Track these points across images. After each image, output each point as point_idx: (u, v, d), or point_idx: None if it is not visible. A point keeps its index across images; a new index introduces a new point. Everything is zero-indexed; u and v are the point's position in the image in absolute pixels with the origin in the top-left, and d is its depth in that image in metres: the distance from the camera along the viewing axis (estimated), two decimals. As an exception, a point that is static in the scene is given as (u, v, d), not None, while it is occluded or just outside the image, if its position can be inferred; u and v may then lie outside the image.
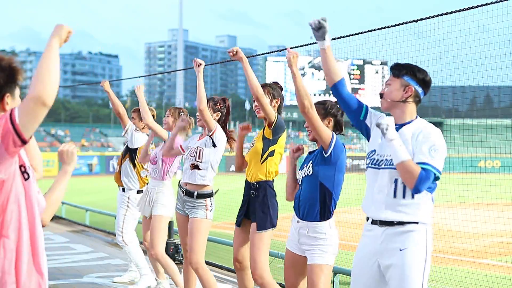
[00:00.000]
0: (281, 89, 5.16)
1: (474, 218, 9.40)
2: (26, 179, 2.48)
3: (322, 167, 4.24)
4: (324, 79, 68.57)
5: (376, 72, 70.04)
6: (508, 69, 6.66)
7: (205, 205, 5.51)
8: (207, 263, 8.27)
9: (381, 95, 3.64)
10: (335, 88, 3.69)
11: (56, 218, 13.63)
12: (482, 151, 12.72)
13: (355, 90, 67.95)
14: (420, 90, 3.57)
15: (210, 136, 5.46)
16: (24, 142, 2.32)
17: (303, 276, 4.42)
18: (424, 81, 3.57)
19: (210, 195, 5.55)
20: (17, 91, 2.58)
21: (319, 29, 3.62)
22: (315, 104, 4.34)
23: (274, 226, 4.98)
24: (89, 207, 13.93)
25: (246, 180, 5.09)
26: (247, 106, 78.27)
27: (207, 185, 5.54)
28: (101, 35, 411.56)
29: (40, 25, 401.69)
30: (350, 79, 68.75)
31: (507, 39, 6.33)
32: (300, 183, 4.37)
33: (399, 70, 3.60)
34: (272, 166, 4.99)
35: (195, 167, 5.51)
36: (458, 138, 10.59)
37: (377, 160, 3.56)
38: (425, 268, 3.42)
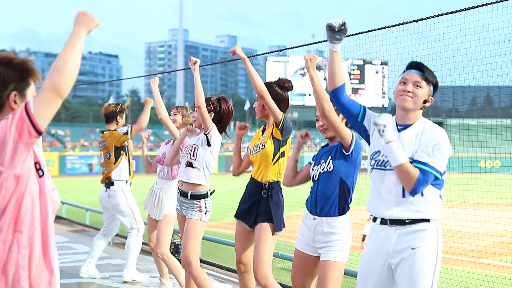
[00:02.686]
0: (283, 88, 5.04)
1: (474, 218, 9.39)
2: (40, 176, 2.49)
3: (343, 164, 4.21)
4: (324, 79, 68.54)
5: (376, 72, 70.00)
6: (508, 69, 6.67)
7: (199, 207, 5.41)
8: (208, 263, 8.30)
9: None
10: (335, 93, 3.63)
11: (56, 218, 13.59)
12: (482, 151, 12.73)
13: (355, 90, 67.92)
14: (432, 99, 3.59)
15: (206, 135, 5.41)
16: (39, 132, 2.34)
17: (312, 278, 4.35)
18: (434, 90, 3.59)
19: (204, 196, 5.44)
20: (29, 92, 2.54)
21: (340, 31, 3.54)
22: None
23: (282, 229, 4.93)
24: (89, 207, 13.92)
25: (254, 180, 4.98)
26: (247, 106, 78.25)
27: (201, 184, 5.44)
28: (101, 35, 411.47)
29: (39, 25, 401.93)
30: (350, 79, 68.69)
31: (507, 39, 6.34)
32: (316, 179, 4.29)
33: (432, 77, 3.55)
34: (282, 167, 4.95)
35: (189, 164, 5.46)
36: (459, 138, 10.58)
37: (383, 161, 3.52)
38: (435, 268, 3.40)
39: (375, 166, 3.55)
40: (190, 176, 5.44)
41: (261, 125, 5.20)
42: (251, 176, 5.04)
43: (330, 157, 4.25)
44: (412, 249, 3.39)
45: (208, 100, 5.54)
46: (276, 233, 4.89)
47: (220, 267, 8.18)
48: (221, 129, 5.58)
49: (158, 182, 6.57)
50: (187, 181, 5.45)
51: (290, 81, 5.12)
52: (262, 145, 4.95)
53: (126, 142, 7.22)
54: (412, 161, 3.40)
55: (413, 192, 3.36)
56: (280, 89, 5.04)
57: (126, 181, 7.27)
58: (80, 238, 10.99)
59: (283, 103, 5.02)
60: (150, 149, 48.13)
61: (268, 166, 4.91)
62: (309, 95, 65.66)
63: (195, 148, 5.46)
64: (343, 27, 3.54)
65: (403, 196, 3.43)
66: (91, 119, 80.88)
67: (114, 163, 7.18)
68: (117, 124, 7.33)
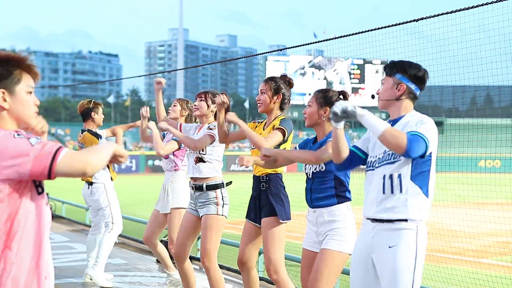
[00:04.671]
0: (289, 84, 5.03)
1: (474, 217, 9.39)
2: (39, 193, 2.45)
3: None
4: (324, 78, 68.60)
5: (376, 72, 70.01)
6: (508, 68, 6.66)
7: (216, 198, 5.35)
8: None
9: (373, 96, 3.71)
10: (342, 165, 3.71)
11: (56, 218, 13.64)
12: (482, 150, 12.73)
13: (355, 90, 67.92)
14: (413, 86, 3.55)
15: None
16: (50, 178, 2.35)
17: None
18: (416, 77, 3.55)
19: (220, 185, 5.41)
20: (19, 88, 2.46)
21: (342, 116, 3.47)
22: (317, 92, 4.40)
23: (289, 219, 4.89)
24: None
25: (254, 176, 5.01)
26: (247, 105, 78.24)
27: (215, 176, 5.43)
28: (101, 34, 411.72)
29: (39, 25, 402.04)
30: (350, 78, 68.69)
31: (507, 39, 6.34)
32: (311, 177, 4.33)
33: (391, 68, 3.60)
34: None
35: (199, 160, 5.43)
36: (459, 137, 10.59)
37: (371, 162, 3.61)
38: (415, 267, 3.40)
39: (367, 169, 3.64)
40: (202, 170, 5.42)
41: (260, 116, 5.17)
42: (253, 173, 5.07)
43: None
44: (389, 247, 3.43)
45: (211, 93, 5.68)
46: (280, 222, 4.82)
47: (220, 267, 8.16)
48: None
49: (165, 175, 6.57)
50: (200, 176, 5.42)
51: (291, 79, 5.11)
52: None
53: None
54: None
55: (408, 154, 3.27)
56: (285, 85, 5.01)
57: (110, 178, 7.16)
58: (80, 238, 10.98)
59: (284, 100, 5.00)
60: (150, 148, 48.00)
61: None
62: (309, 94, 65.63)
63: None
64: (345, 113, 3.42)
65: (383, 192, 3.47)
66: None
67: None
68: (93, 121, 7.09)
